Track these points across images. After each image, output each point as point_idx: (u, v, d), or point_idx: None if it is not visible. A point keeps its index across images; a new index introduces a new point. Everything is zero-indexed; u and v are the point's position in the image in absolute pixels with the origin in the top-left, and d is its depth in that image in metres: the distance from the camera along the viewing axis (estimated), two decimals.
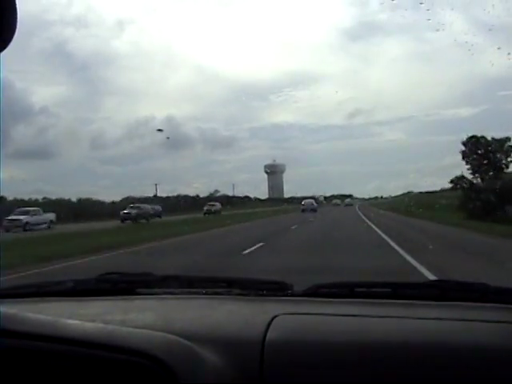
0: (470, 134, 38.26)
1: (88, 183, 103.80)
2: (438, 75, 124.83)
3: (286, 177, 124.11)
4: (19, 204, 38.35)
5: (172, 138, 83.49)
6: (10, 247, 14.99)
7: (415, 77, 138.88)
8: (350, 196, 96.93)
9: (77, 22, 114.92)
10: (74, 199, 56.26)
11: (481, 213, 27.59)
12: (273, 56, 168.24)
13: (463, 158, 37.91)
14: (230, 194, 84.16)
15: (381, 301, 1.32)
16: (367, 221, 28.29)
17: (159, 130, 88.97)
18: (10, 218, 31.54)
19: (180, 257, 12.21)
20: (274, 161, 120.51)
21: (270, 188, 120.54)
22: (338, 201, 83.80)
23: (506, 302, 1.25)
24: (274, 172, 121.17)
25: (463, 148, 38.16)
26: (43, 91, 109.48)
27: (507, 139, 38.29)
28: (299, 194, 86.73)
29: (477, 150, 38.22)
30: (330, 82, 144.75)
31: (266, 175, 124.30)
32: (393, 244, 13.94)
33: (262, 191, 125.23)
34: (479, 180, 36.21)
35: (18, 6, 0.74)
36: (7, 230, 28.82)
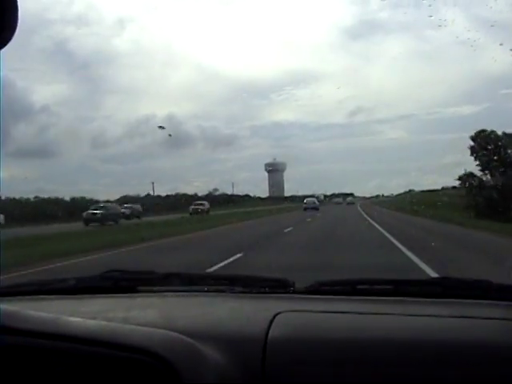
0: (480, 129, 36.16)
1: (89, 182, 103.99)
2: (439, 73, 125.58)
3: (287, 175, 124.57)
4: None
5: (173, 137, 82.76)
6: None
7: (416, 75, 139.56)
8: (351, 194, 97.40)
9: (78, 21, 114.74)
10: (67, 198, 54.80)
11: (489, 211, 25.90)
12: (274, 54, 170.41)
13: (472, 154, 35.45)
14: (231, 192, 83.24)
15: (383, 298, 1.31)
16: (372, 221, 25.87)
17: (161, 127, 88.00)
18: None
19: None
20: (275, 159, 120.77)
21: (271, 186, 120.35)
22: (340, 199, 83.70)
23: (509, 299, 1.25)
24: (274, 170, 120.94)
25: (472, 143, 35.81)
26: (44, 90, 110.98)
27: None
28: (300, 193, 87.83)
29: (486, 145, 35.67)
30: (330, 81, 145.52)
31: (266, 173, 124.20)
32: (408, 253, 11.14)
33: (262, 189, 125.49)
34: (489, 177, 34.17)
35: (19, 4, 0.73)
36: None
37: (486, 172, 34.98)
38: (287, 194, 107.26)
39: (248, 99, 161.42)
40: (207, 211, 48.21)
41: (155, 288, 1.51)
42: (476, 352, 0.98)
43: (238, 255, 11.40)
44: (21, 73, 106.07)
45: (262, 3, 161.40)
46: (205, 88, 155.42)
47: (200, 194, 74.06)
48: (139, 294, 1.47)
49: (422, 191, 63.79)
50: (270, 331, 1.05)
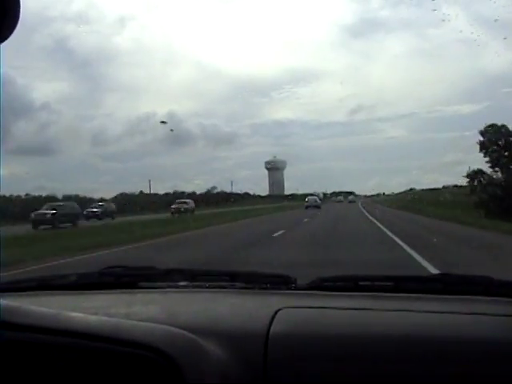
0: (489, 123, 33.83)
1: (89, 179, 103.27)
2: (440, 72, 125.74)
3: (287, 173, 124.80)
4: None
5: (173, 135, 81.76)
6: None
7: (417, 73, 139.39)
8: (351, 193, 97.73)
9: (78, 19, 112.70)
10: (59, 196, 53.35)
11: (500, 210, 24.16)
12: (274, 52, 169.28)
13: (481, 150, 32.31)
14: (230, 190, 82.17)
15: (384, 294, 1.31)
16: (377, 222, 22.63)
17: (163, 122, 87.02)
18: None
19: None
20: (275, 157, 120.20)
21: (271, 184, 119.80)
22: (341, 197, 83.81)
23: (510, 295, 1.24)
24: (274, 168, 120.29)
25: (481, 138, 32.71)
26: (44, 87, 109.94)
27: None
28: (300, 191, 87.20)
29: (497, 140, 32.71)
30: (331, 79, 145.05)
31: (266, 171, 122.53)
32: (425, 263, 9.21)
33: (263, 188, 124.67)
34: (499, 174, 32.01)
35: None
36: None
37: (497, 169, 32.52)
38: (287, 192, 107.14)
39: (248, 97, 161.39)
40: (192, 210, 43.57)
41: (156, 284, 1.51)
42: (477, 348, 0.98)
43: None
44: (21, 70, 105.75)
45: (262, 1, 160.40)
46: (205, 86, 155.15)
47: (198, 192, 73.82)
48: (140, 290, 1.46)
49: (423, 190, 64.23)
50: (272, 327, 1.05)
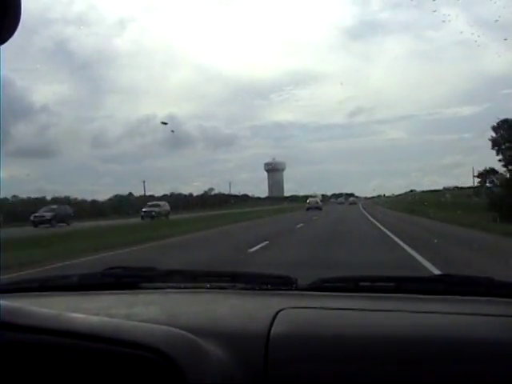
0: (502, 118, 30.88)
1: (88, 181, 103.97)
2: (439, 73, 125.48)
3: (287, 175, 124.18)
4: None
5: (173, 137, 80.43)
6: None
7: (417, 75, 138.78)
8: (351, 194, 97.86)
9: (78, 21, 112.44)
10: (49, 198, 51.49)
11: None
12: (274, 55, 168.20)
13: (493, 147, 29.61)
14: (232, 192, 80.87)
15: (385, 295, 1.31)
16: (383, 228, 18.87)
17: (163, 122, 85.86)
18: None
19: None
20: (274, 159, 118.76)
21: (270, 186, 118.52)
22: (342, 199, 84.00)
23: (511, 296, 1.24)
24: (273, 170, 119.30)
25: (493, 134, 30.00)
26: (44, 89, 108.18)
27: None
28: (300, 193, 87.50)
29: (510, 137, 29.72)
30: (331, 81, 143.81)
31: (266, 173, 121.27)
32: None
33: (262, 190, 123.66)
34: None
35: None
36: None
37: (511, 167, 29.81)
38: (287, 194, 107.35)
39: (248, 99, 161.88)
40: (166, 215, 38.50)
41: (157, 285, 1.50)
42: (478, 349, 0.98)
43: None
44: (21, 73, 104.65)
45: (262, 3, 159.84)
46: (205, 88, 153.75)
47: (195, 194, 72.71)
48: (141, 291, 1.46)
49: (424, 191, 64.52)
50: (273, 328, 1.05)
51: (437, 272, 7.91)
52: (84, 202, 56.41)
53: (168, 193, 70.84)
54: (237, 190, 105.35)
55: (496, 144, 30.57)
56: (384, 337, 1.02)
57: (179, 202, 65.90)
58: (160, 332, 0.92)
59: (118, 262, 11.49)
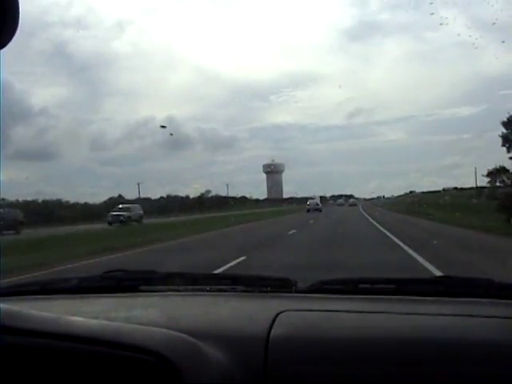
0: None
1: (87, 184, 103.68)
2: (438, 75, 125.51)
3: (286, 177, 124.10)
4: None
5: (172, 139, 79.77)
6: None
7: (415, 76, 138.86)
8: (351, 196, 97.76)
9: (76, 23, 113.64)
10: (40, 201, 50.34)
11: None
12: (273, 56, 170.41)
13: (504, 144, 27.84)
14: (231, 194, 79.97)
15: (385, 297, 1.31)
16: (390, 235, 16.77)
17: (162, 126, 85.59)
18: None
19: None
20: (273, 160, 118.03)
21: (269, 188, 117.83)
22: (342, 200, 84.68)
23: (511, 297, 1.24)
24: (272, 172, 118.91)
25: (504, 130, 28.00)
26: (43, 92, 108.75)
27: None
28: (300, 195, 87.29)
29: None
30: (330, 83, 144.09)
31: (265, 175, 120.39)
32: None
33: (261, 191, 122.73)
34: None
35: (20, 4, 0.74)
36: None
37: None
38: (286, 195, 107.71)
39: (247, 101, 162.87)
40: (138, 219, 34.45)
41: (157, 288, 1.51)
42: (478, 350, 0.98)
43: None
44: (20, 76, 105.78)
45: (260, 5, 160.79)
46: (204, 90, 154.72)
47: (193, 196, 71.70)
48: (141, 294, 1.47)
49: (424, 192, 64.78)
50: (272, 330, 1.05)
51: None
52: (76, 204, 55.13)
53: (164, 195, 69.80)
54: (236, 192, 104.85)
55: (506, 140, 28.19)
56: (384, 339, 1.02)
57: (176, 204, 64.56)
58: (160, 335, 0.92)
59: None
